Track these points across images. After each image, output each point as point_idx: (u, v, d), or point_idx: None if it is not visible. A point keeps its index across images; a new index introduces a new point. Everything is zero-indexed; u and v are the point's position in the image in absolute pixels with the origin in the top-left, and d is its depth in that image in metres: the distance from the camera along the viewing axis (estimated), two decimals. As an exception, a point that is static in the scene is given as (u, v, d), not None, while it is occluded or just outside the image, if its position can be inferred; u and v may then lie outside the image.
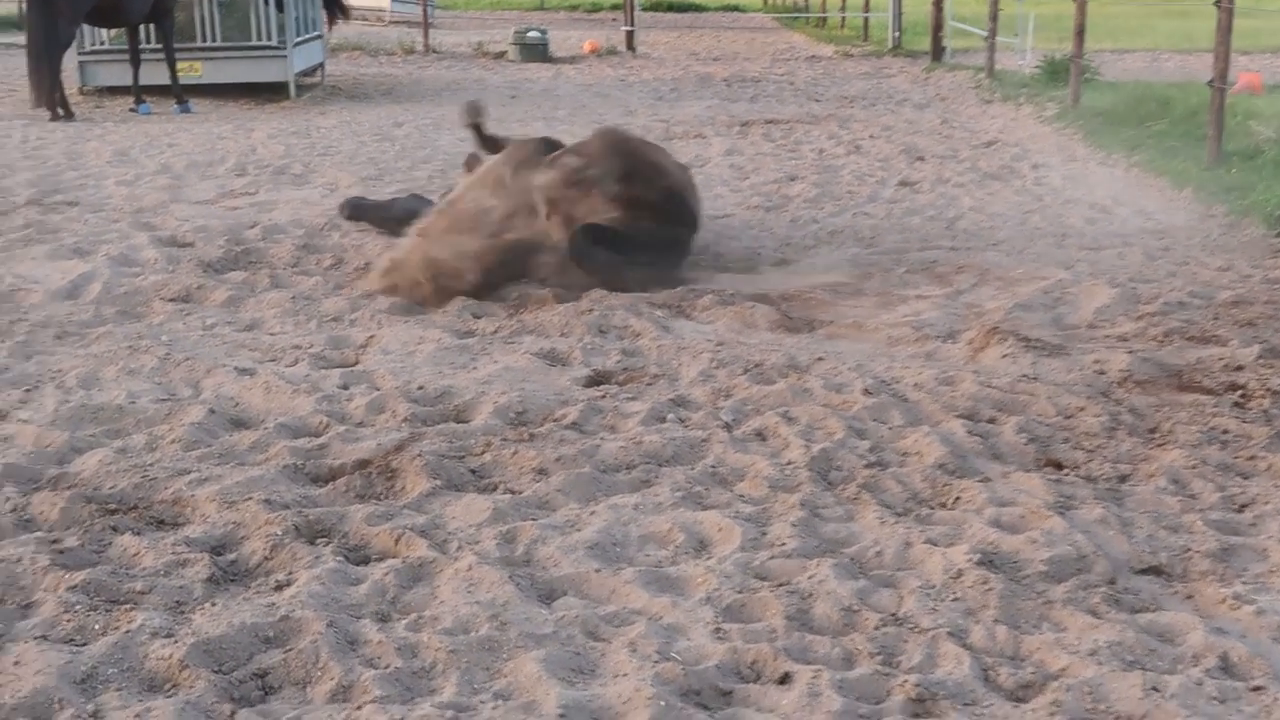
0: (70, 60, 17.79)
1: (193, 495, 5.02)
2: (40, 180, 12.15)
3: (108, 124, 16.59)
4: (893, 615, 4.20)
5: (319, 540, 4.70)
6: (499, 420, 5.89)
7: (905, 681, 3.80)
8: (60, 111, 16.61)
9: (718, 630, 4.10)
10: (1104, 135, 15.20)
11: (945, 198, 11.95)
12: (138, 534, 4.72)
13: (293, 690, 3.81)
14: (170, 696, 3.72)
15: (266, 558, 4.56)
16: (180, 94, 18.09)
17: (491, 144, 9.40)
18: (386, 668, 3.88)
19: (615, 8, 46.29)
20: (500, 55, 28.89)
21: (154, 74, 18.08)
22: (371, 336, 7.27)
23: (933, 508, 5.07)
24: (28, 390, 6.32)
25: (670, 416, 5.99)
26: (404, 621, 4.12)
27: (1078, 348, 7.10)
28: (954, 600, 4.25)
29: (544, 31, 29.88)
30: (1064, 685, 3.79)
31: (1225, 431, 5.83)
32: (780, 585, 4.36)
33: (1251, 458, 5.55)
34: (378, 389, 6.37)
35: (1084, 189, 12.25)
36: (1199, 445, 5.67)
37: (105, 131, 15.80)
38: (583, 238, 8.07)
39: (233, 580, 4.44)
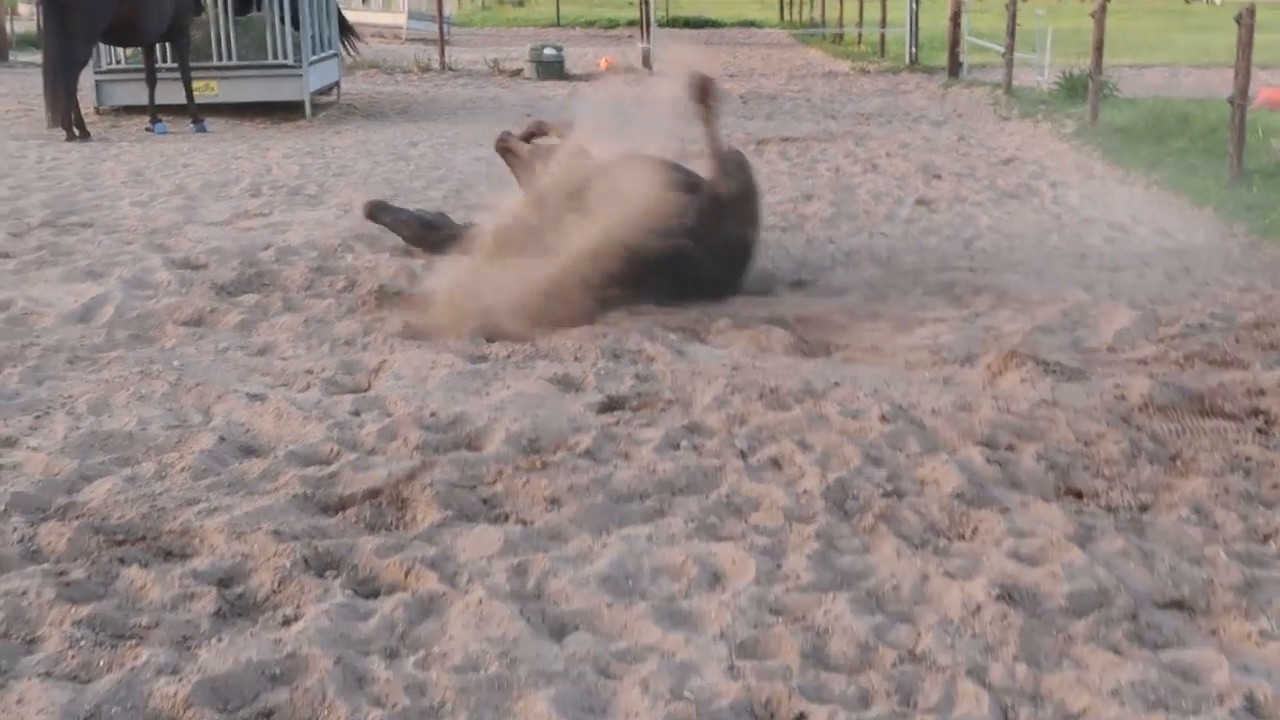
0: (86, 79, 17.81)
1: (201, 526, 4.97)
2: (55, 201, 12.15)
3: (123, 144, 16.61)
4: (910, 652, 4.12)
5: (328, 572, 4.64)
6: (511, 448, 5.83)
7: (923, 722, 3.73)
8: (76, 131, 16.62)
9: (731, 668, 4.02)
10: (1123, 152, 15.12)
11: (963, 217, 11.88)
12: (145, 566, 4.66)
13: (299, 730, 3.75)
14: (174, 737, 3.66)
15: (274, 591, 4.50)
16: (196, 113, 18.10)
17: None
18: (394, 707, 3.81)
19: (632, 24, 46.32)
20: (516, 73, 28.90)
21: (170, 93, 18.10)
22: (384, 361, 7.22)
23: (951, 539, 4.99)
24: (38, 416, 6.28)
25: (684, 444, 5.92)
26: (413, 658, 4.06)
27: (1097, 371, 7.02)
28: (973, 637, 4.17)
29: (560, 49, 29.88)
30: (1086, 726, 3.72)
31: (1248, 459, 5.73)
32: (795, 620, 4.28)
33: (1275, 486, 5.46)
34: (389, 415, 6.31)
35: (1103, 208, 12.17)
36: (1221, 473, 5.58)
37: (121, 151, 15.81)
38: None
39: (240, 614, 4.38)
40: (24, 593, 4.37)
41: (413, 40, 39.17)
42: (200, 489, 5.38)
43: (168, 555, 4.80)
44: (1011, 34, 23.11)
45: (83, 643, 4.07)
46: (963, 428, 6.09)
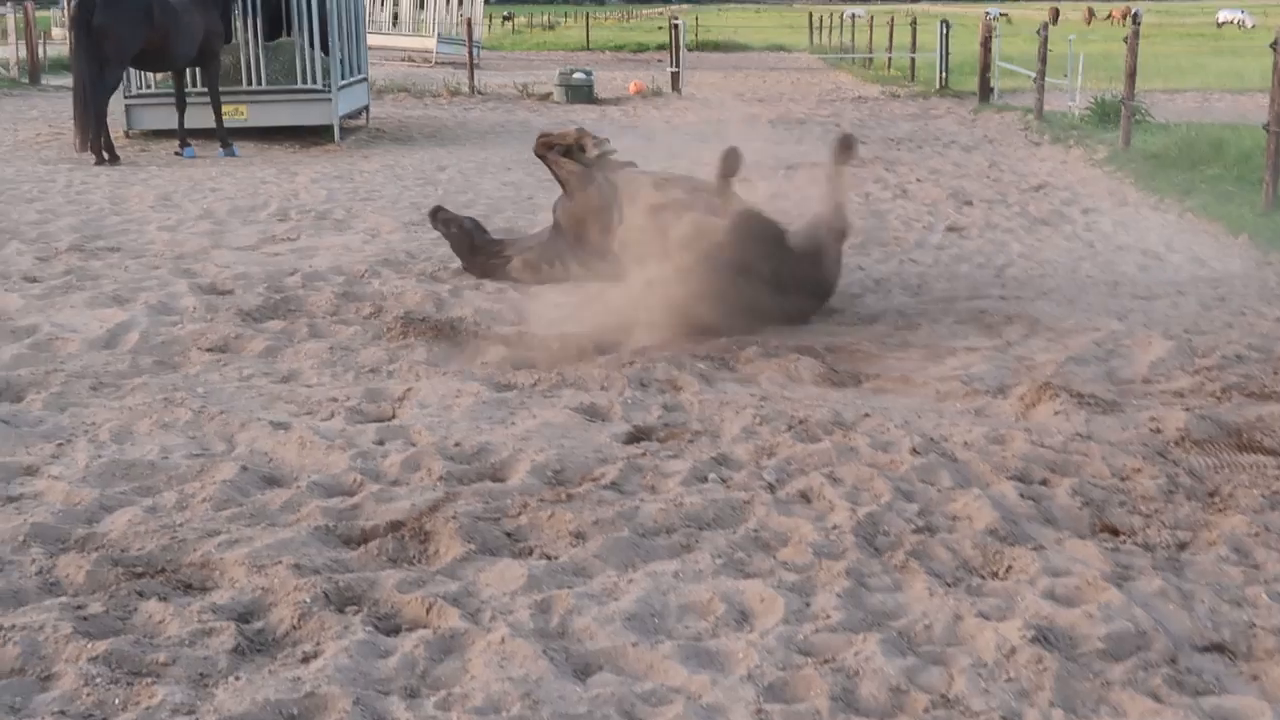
0: (116, 104, 17.86)
1: (221, 558, 4.89)
2: (83, 225, 12.15)
3: (152, 168, 16.64)
4: (943, 696, 4.01)
5: (348, 608, 4.55)
6: (536, 480, 5.75)
7: (956, 769, 3.62)
8: (105, 155, 16.66)
9: (759, 711, 3.92)
10: (1156, 179, 14.99)
11: (994, 244, 11.78)
12: (164, 599, 4.59)
13: (316, 772, 3.67)
14: (189, 779, 3.58)
15: (294, 627, 4.42)
16: (225, 137, 18.13)
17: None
18: (414, 749, 3.73)
19: (661, 48, 46.42)
20: (545, 97, 28.94)
21: (199, 117, 18.13)
22: (409, 389, 7.15)
23: (984, 577, 4.88)
24: (60, 444, 6.23)
25: (712, 476, 5.83)
26: (433, 699, 3.97)
27: (1132, 404, 6.90)
28: (1007, 680, 4.06)
29: (589, 73, 29.93)
30: (1124, 775, 3.61)
31: (1289, 496, 5.61)
32: (825, 662, 4.18)
33: (1317, 524, 5.33)
34: (413, 445, 6.24)
35: (1136, 235, 12.05)
36: (1261, 510, 5.45)
37: (149, 176, 15.84)
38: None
39: (259, 651, 4.29)
40: (41, 627, 4.30)
41: (442, 64, 39.30)
42: (221, 520, 5.31)
43: (187, 588, 4.73)
44: (1043, 59, 23.01)
45: (98, 680, 4.00)
46: (995, 461, 5.98)
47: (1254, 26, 76.40)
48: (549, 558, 5.01)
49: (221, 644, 4.26)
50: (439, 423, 6.57)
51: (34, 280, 9.76)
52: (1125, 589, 4.66)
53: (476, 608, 4.55)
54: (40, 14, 38.96)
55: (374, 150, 19.09)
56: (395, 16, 45.03)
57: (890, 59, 41.77)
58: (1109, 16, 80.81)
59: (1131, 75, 17.74)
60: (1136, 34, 18.02)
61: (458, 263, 10.46)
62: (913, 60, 37.54)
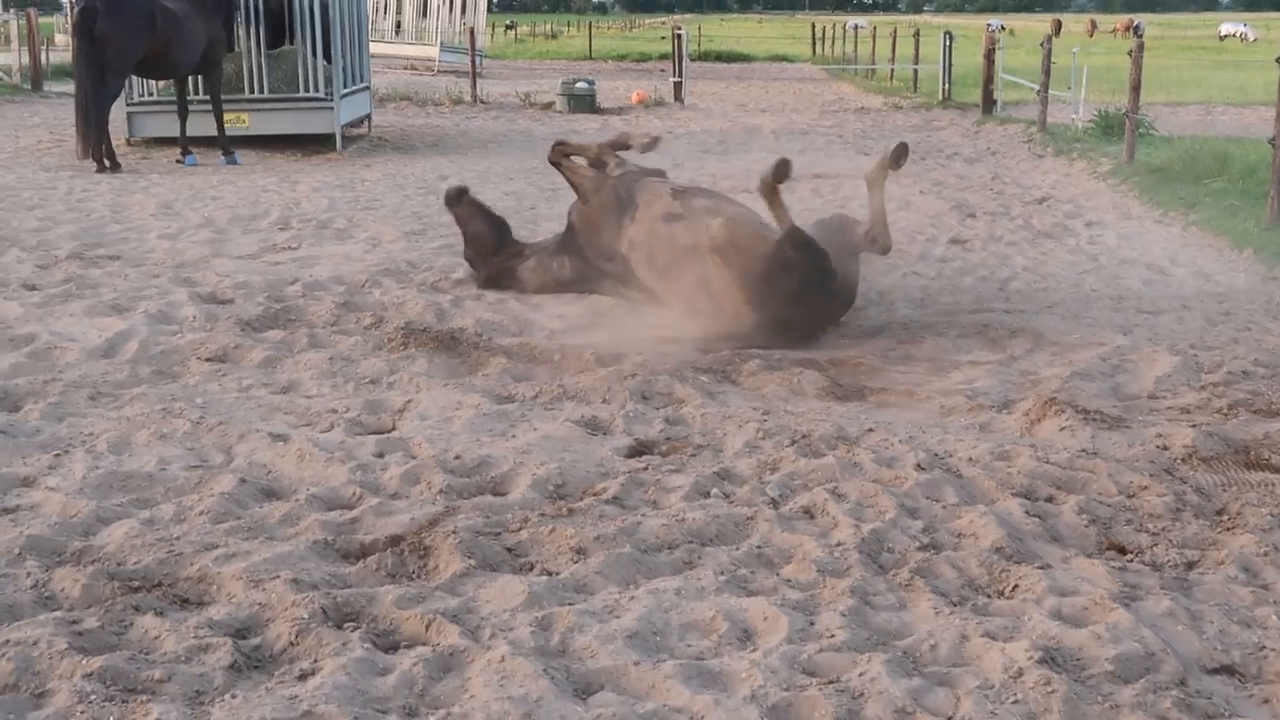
0: (118, 111, 17.82)
1: (219, 572, 4.83)
2: (83, 233, 12.11)
3: (153, 175, 16.60)
4: (949, 719, 3.95)
5: (347, 624, 4.49)
6: (537, 494, 5.69)
7: (963, 794, 3.56)
8: (106, 163, 16.62)
9: (763, 733, 3.86)
10: (1160, 192, 14.95)
11: (998, 257, 11.74)
12: (160, 614, 4.53)
13: (313, 793, 3.61)
14: (183, 799, 3.52)
15: (292, 643, 4.36)
16: (227, 146, 18.10)
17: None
18: (412, 770, 3.67)
19: (664, 57, 46.41)
20: (548, 106, 28.92)
21: (201, 125, 18.10)
22: (409, 400, 7.10)
23: (990, 596, 4.82)
24: (57, 455, 6.18)
25: (714, 491, 5.77)
26: (432, 718, 3.91)
27: (1139, 420, 6.85)
28: (1014, 703, 4.00)
29: (592, 82, 29.92)
30: (1133, 800, 3.55)
31: (1297, 515, 5.55)
32: (829, 683, 4.11)
33: (1326, 544, 5.27)
34: (414, 457, 6.19)
35: (1140, 249, 12.00)
36: (1270, 529, 5.39)
37: (150, 184, 15.80)
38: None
39: (256, 667, 4.23)
40: (35, 642, 4.24)
41: (445, 72, 39.28)
42: (219, 533, 5.25)
43: (184, 603, 4.67)
44: (1046, 71, 22.97)
45: (93, 697, 3.94)
46: (1001, 478, 5.93)
47: (1256, 40, 76.44)
48: (550, 574, 4.95)
49: (218, 661, 4.20)
50: (439, 435, 6.51)
51: (33, 288, 9.71)
52: (1133, 609, 4.60)
53: (476, 625, 4.49)
54: (43, 20, 39.01)
55: (376, 159, 19.05)
56: (398, 25, 45.00)
57: (893, 70, 41.75)
58: (1115, 30, 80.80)
59: (1136, 88, 17.70)
60: (1141, 46, 17.99)
61: (458, 273, 10.41)
62: (915, 72, 37.52)
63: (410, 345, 8.14)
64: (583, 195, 9.53)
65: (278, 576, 4.76)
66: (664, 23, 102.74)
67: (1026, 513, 5.51)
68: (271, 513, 5.49)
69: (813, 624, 4.53)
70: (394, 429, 6.72)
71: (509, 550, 5.14)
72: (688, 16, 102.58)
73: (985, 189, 16.15)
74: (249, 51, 19.40)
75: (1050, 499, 5.74)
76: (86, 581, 4.71)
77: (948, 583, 4.89)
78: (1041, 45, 24.13)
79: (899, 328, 8.95)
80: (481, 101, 29.61)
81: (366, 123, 22.48)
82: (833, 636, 4.42)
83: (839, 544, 5.18)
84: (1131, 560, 5.14)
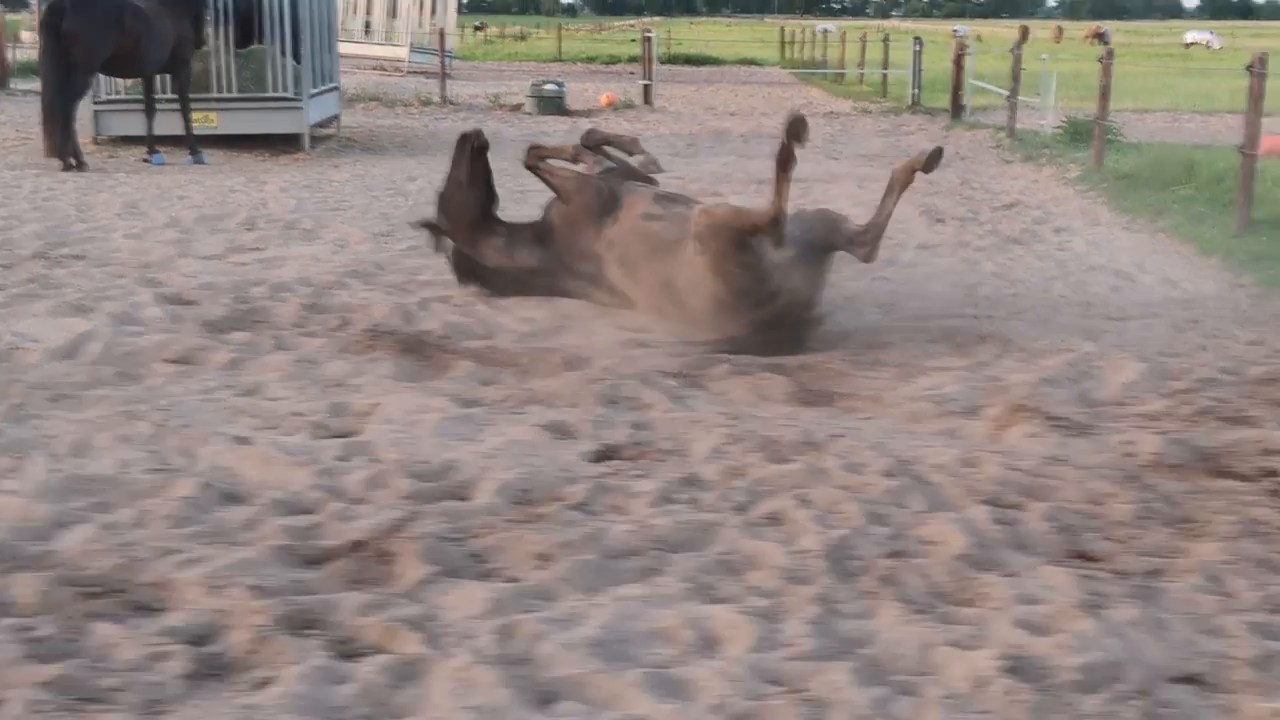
0: (85, 109, 17.70)
1: (178, 578, 4.76)
2: (48, 232, 12.00)
3: (120, 174, 16.48)
4: (914, 729, 3.92)
5: (307, 631, 4.43)
6: (501, 499, 5.64)
7: (927, 805, 3.53)
8: (73, 161, 16.51)
9: (727, 743, 3.83)
10: (1128, 199, 15.01)
11: (966, 262, 11.75)
12: (118, 621, 4.46)
13: (270, 804, 3.56)
14: (138, 810, 3.47)
15: (251, 651, 4.29)
16: (194, 145, 17.99)
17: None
18: (371, 781, 3.62)
19: (633, 60, 46.41)
20: (517, 107, 28.87)
21: (168, 124, 17.99)
22: (375, 404, 7.03)
23: (955, 604, 4.79)
24: (17, 457, 6.09)
25: (680, 497, 5.73)
26: (392, 728, 3.86)
27: (1105, 427, 6.84)
28: (980, 713, 3.98)
29: (560, 84, 29.88)
30: (1098, 812, 3.53)
31: (1263, 523, 5.54)
32: (794, 692, 4.08)
33: (1291, 553, 5.27)
34: (378, 461, 6.12)
35: (1108, 255, 12.03)
36: (1235, 538, 5.39)
37: (117, 183, 15.69)
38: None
39: (213, 676, 4.17)
40: (-11, 650, 4.18)
41: (414, 73, 39.17)
42: (179, 538, 5.17)
43: (142, 610, 4.60)
44: (1016, 77, 23.05)
45: (47, 707, 3.87)
46: (968, 484, 5.91)
47: (1221, 48, 76.94)
48: (513, 580, 4.90)
49: (175, 669, 4.14)
50: (404, 438, 6.46)
51: (-4, 288, 9.61)
52: (1098, 617, 4.59)
53: (438, 632, 4.44)
54: (10, 18, 38.73)
55: (344, 160, 18.97)
56: (367, 25, 44.85)
57: (862, 75, 41.84)
58: (1085, 37, 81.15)
59: (1105, 95, 17.77)
60: (1110, 54, 18.06)
61: (425, 275, 10.36)
62: (884, 76, 37.61)
63: (376, 348, 8.09)
64: (563, 196, 9.42)
65: (238, 582, 4.70)
66: (633, 25, 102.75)
67: (993, 520, 5.49)
68: (233, 517, 5.42)
69: (778, 632, 4.50)
70: (359, 432, 6.66)
71: (472, 556, 5.09)
72: (656, 19, 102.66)
73: (954, 194, 16.18)
74: (218, 50, 19.29)
75: (1017, 506, 5.71)
76: (44, 587, 4.64)
77: (914, 590, 4.87)
78: (1011, 51, 24.21)
79: (867, 332, 8.93)
80: (450, 103, 29.53)
81: (335, 123, 22.40)
82: (798, 645, 4.39)
83: (805, 551, 5.15)
84: (1097, 568, 5.12)
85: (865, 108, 31.88)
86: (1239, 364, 8.10)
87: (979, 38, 58.79)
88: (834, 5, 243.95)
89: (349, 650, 4.35)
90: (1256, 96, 12.30)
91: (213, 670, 4.19)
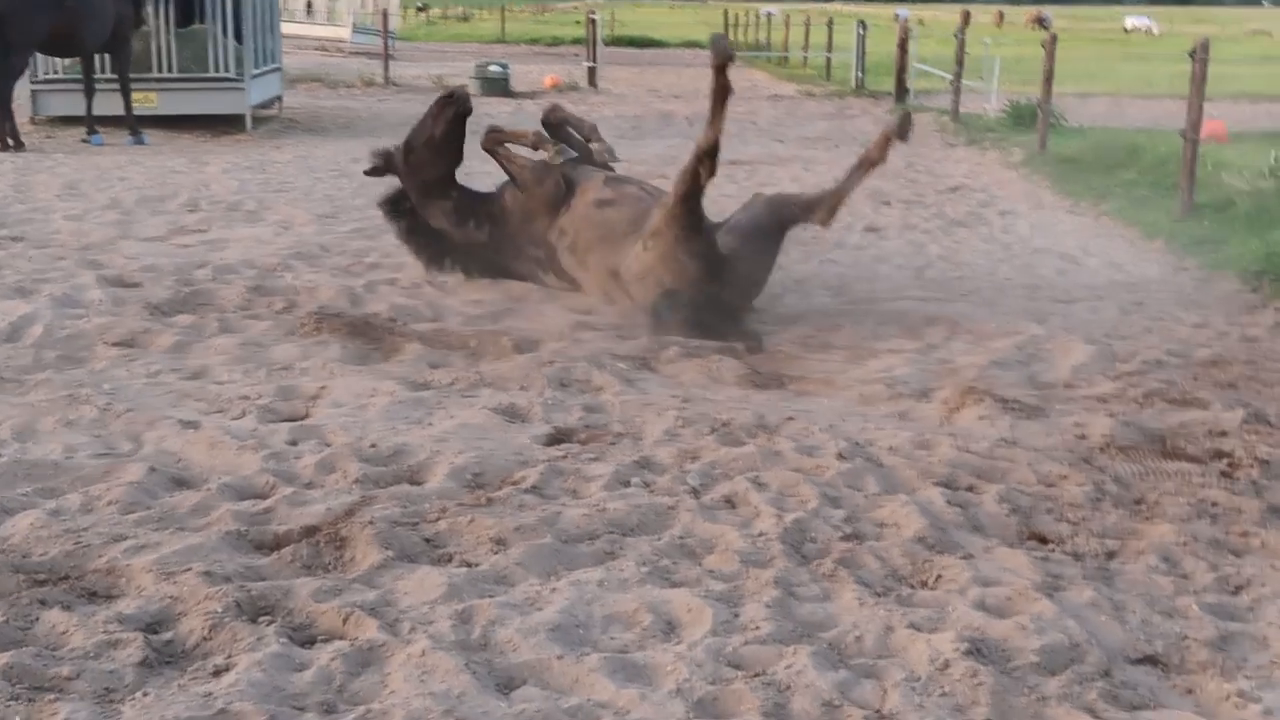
0: (22, 89, 17.42)
1: (128, 565, 4.69)
2: (-15, 214, 11.80)
3: (58, 155, 16.24)
4: (877, 712, 3.90)
5: (262, 618, 4.37)
6: (455, 483, 5.58)
7: (891, 788, 3.52)
8: (10, 142, 16.24)
9: (689, 727, 3.80)
10: (1072, 182, 15.09)
11: (913, 245, 11.78)
12: (68, 609, 4.38)
13: (228, 793, 3.50)
14: (93, 801, 3.40)
15: (205, 638, 4.23)
16: (134, 125, 17.76)
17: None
18: (331, 769, 3.57)
19: (577, 42, 46.25)
20: (461, 89, 28.65)
21: (108, 104, 17.74)
22: (323, 387, 6.96)
23: (914, 587, 4.80)
24: (-41, 443, 5.98)
25: (635, 480, 5.70)
26: (351, 715, 3.79)
27: (1056, 409, 6.87)
28: (942, 695, 3.97)
29: (505, 66, 29.72)
30: (1061, 793, 3.53)
31: (1214, 504, 5.59)
32: (755, 675, 4.06)
33: (1244, 534, 5.31)
34: (328, 445, 6.05)
35: (1053, 238, 12.10)
36: (1188, 519, 5.43)
37: (55, 163, 15.45)
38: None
39: (168, 663, 4.10)
40: (-64, 639, 4.09)
41: (356, 54, 38.87)
42: (128, 524, 5.09)
43: (92, 597, 4.52)
44: (960, 61, 23.13)
45: (-2, 695, 3.80)
46: (922, 467, 5.91)
47: (1161, 34, 77.60)
48: (469, 565, 4.85)
49: (128, 656, 4.07)
50: (354, 423, 6.39)
51: (-68, 270, 9.44)
52: (1056, 599, 4.60)
53: (395, 618, 4.39)
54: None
55: (286, 141, 18.78)
56: (309, 5, 44.49)
57: (806, 58, 41.89)
58: (1029, 22, 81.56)
59: (1049, 79, 17.86)
60: (1054, 39, 18.14)
61: (372, 257, 10.27)
62: (828, 60, 37.66)
63: (323, 330, 8.00)
64: (522, 185, 9.29)
65: (189, 569, 4.62)
66: (576, 7, 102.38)
67: (948, 502, 5.50)
68: (182, 502, 5.34)
69: (737, 616, 4.47)
70: (307, 416, 6.58)
71: (427, 541, 5.04)
72: (600, 1, 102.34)
73: (899, 177, 16.20)
74: (158, 30, 19.04)
75: (971, 488, 5.73)
76: (-10, 575, 4.56)
77: (871, 573, 4.86)
78: (955, 36, 24.29)
79: (817, 315, 8.93)
80: (393, 84, 29.31)
81: (277, 104, 22.17)
82: (758, 629, 4.36)
83: (761, 534, 5.13)
84: (1053, 550, 5.14)
85: (810, 91, 31.91)
86: (1185, 346, 8.16)
87: (921, 22, 58.95)
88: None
89: (306, 637, 4.29)
90: (1198, 81, 12.38)
91: (167, 658, 4.13)
